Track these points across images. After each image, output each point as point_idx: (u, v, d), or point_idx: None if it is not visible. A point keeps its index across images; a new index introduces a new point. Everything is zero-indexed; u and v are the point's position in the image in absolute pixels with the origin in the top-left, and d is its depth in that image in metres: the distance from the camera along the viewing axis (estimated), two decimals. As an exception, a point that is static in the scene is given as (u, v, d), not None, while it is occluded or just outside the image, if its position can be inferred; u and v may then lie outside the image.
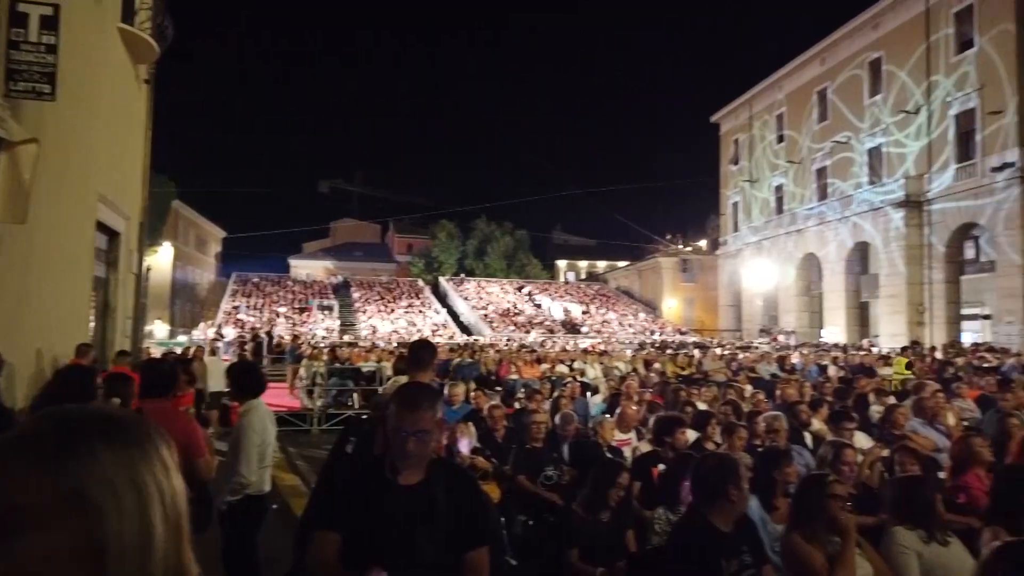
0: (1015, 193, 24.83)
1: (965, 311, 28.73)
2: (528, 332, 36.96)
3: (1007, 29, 25.45)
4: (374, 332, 35.29)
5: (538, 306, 46.82)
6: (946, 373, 13.63)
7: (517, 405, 9.31)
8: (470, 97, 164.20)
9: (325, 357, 18.11)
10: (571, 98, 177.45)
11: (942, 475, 5.36)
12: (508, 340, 31.38)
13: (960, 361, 16.60)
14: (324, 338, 30.27)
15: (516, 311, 44.68)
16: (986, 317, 27.95)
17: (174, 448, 0.89)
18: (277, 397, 16.23)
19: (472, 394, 8.77)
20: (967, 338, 27.64)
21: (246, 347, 23.72)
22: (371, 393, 14.45)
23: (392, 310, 42.67)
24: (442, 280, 52.65)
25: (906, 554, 3.37)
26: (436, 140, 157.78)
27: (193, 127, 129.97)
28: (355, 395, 16.00)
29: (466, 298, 46.81)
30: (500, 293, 49.62)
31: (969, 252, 29.06)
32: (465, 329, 39.80)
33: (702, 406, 7.75)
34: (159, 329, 32.03)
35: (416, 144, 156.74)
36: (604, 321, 44.08)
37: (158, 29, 12.25)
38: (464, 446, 5.55)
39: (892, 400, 8.41)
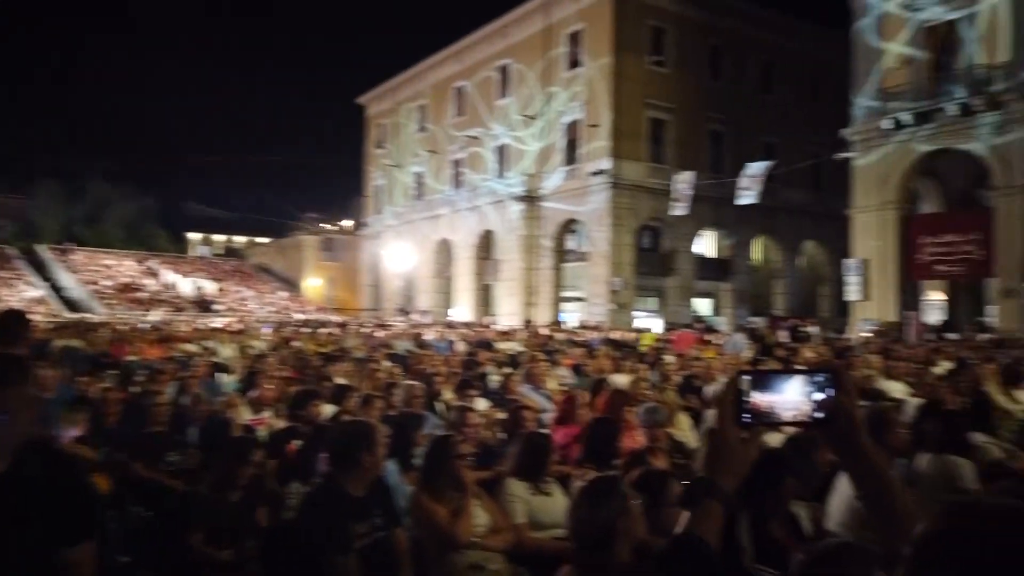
0: (606, 196, 29.68)
1: (566, 294, 33.60)
2: (149, 310, 33.29)
3: (606, 62, 30.12)
4: (-61, 308, 28.47)
5: (163, 281, 42.46)
6: (549, 346, 15.74)
7: (137, 389, 8.34)
8: (93, 45, 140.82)
9: None
10: (211, 63, 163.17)
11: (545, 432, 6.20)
12: (126, 318, 27.90)
13: (560, 336, 19.35)
14: None
15: (137, 286, 39.95)
16: (581, 299, 33.05)
17: None
18: None
19: (83, 378, 7.65)
20: (567, 317, 32.32)
21: None
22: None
23: (-33, 282, 34.92)
24: (40, 249, 44.62)
25: (515, 502, 3.83)
26: (42, 85, 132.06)
27: None
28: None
29: (74, 271, 40.43)
30: (117, 266, 43.85)
31: (570, 244, 34.02)
32: (72, 305, 34.34)
33: (341, 380, 7.82)
34: None
35: (7, 85, 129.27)
36: (241, 299, 41.79)
37: None
38: (68, 434, 4.81)
39: (508, 370, 9.47)
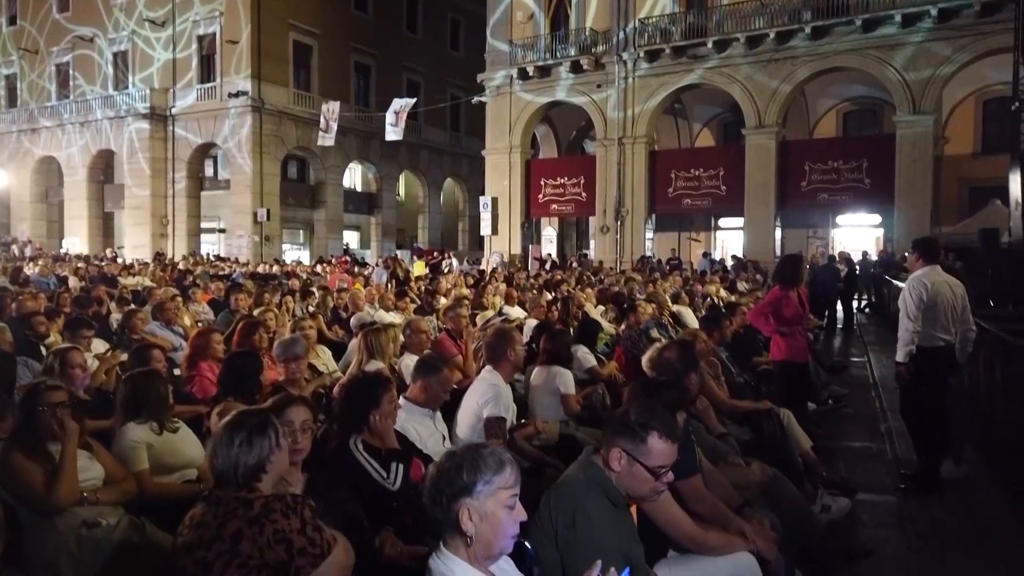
0: (248, 120, 27.77)
1: (204, 225, 31.07)
2: None
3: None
4: None
5: None
6: (186, 281, 14.58)
7: None
8: None
9: None
10: None
11: (177, 371, 5.75)
12: None
13: (198, 269, 17.99)
14: None
15: None
16: (221, 231, 30.88)
17: None
18: None
19: None
20: (205, 249, 30.02)
21: None
22: None
23: None
24: None
25: (136, 447, 3.51)
26: None
27: None
28: None
29: None
30: None
31: (209, 170, 31.35)
32: None
33: None
34: None
35: None
36: None
37: None
38: None
39: (132, 307, 8.54)
